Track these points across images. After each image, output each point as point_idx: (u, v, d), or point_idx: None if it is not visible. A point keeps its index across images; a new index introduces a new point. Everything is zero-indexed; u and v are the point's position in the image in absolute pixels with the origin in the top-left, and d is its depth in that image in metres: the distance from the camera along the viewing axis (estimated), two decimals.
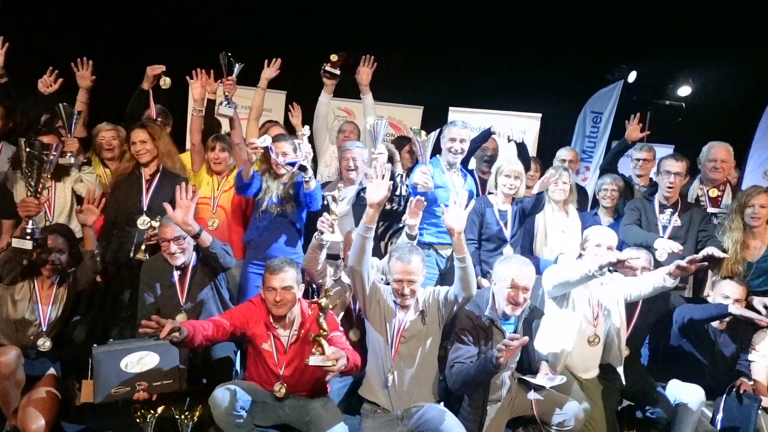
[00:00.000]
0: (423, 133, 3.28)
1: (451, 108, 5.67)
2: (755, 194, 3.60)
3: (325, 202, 3.18)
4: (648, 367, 3.58)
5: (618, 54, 7.77)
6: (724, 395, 3.14)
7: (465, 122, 3.74)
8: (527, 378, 2.93)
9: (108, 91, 4.83)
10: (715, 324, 3.31)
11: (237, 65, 3.81)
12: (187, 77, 3.87)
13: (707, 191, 3.91)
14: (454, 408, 2.87)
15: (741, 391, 3.08)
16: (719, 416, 3.11)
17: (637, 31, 7.59)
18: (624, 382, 3.19)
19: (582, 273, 2.88)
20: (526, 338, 2.57)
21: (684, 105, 8.08)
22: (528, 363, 3.02)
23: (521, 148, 4.37)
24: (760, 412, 3.03)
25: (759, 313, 3.16)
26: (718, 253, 3.23)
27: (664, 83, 8.03)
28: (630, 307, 3.31)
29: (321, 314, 2.54)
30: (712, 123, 7.53)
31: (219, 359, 3.05)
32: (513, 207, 3.69)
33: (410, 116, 5.89)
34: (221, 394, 2.55)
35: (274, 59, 3.99)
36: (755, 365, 3.27)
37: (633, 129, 4.37)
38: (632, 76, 7.71)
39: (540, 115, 5.84)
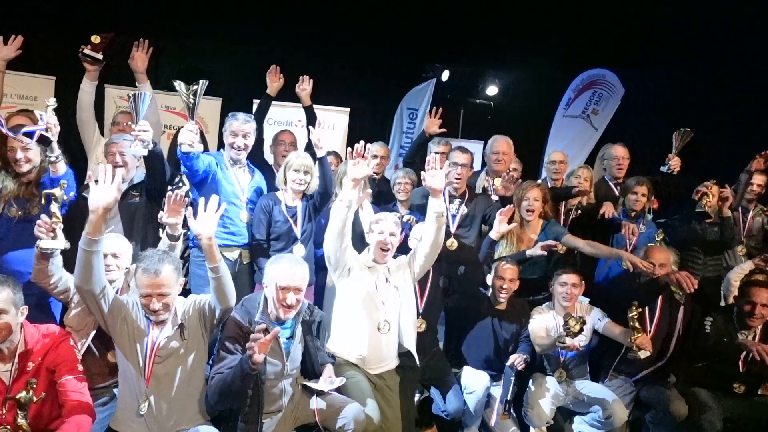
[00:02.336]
0: (183, 85, 2.92)
1: (255, 100, 5.36)
2: (530, 188, 3.82)
3: (45, 202, 2.59)
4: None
5: (432, 52, 8.10)
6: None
7: (249, 116, 3.46)
8: (308, 384, 2.76)
9: None
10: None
11: None
12: None
13: (492, 181, 4.10)
14: (230, 425, 2.59)
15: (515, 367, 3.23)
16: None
17: (449, 31, 7.96)
18: (419, 363, 3.14)
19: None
20: (278, 329, 2.40)
21: (492, 104, 8.72)
22: (312, 367, 2.84)
23: None
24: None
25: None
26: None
27: (474, 83, 8.56)
28: (422, 280, 3.30)
29: (20, 413, 2.06)
30: (516, 120, 8.20)
31: None
32: (303, 203, 3.50)
33: (209, 108, 5.44)
34: None
35: (13, 37, 3.37)
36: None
37: (432, 123, 4.45)
38: (445, 75, 8.09)
39: (348, 109, 5.79)
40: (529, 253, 3.44)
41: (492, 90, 8.54)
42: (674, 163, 4.05)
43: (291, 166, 3.46)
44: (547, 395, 3.33)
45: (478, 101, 8.68)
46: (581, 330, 3.09)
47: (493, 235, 3.26)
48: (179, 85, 2.94)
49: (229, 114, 3.47)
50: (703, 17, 7.20)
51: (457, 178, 3.78)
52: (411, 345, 3.08)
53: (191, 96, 2.94)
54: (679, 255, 3.84)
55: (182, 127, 3.08)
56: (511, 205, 3.30)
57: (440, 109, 4.42)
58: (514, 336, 3.48)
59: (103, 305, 2.38)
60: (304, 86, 4.19)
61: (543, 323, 3.41)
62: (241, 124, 3.38)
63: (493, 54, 8.25)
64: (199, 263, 3.36)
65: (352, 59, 6.62)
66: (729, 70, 6.96)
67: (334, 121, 5.56)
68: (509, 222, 3.27)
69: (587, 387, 3.43)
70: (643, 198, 3.90)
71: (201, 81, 2.95)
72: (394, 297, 3.06)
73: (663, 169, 4.15)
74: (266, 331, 2.40)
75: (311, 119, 4.13)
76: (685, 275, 3.11)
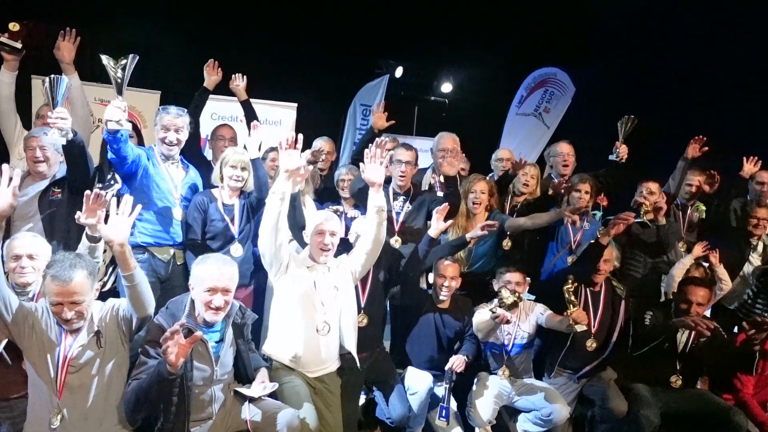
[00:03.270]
0: (110, 60, 2.73)
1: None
2: (476, 181, 3.81)
3: None
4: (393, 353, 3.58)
5: (385, 48, 8.03)
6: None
7: (182, 109, 3.29)
8: (240, 389, 2.64)
9: None
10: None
11: None
12: None
13: (438, 178, 4.04)
14: None
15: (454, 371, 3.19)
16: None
17: (402, 27, 7.91)
18: (360, 365, 3.05)
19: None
20: (200, 333, 2.26)
21: (447, 101, 8.72)
22: (246, 372, 2.72)
23: None
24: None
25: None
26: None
27: (429, 80, 8.53)
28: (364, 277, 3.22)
29: None
30: (471, 118, 8.23)
31: None
32: (240, 201, 3.37)
33: (146, 102, 5.20)
34: None
35: None
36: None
37: (378, 118, 4.35)
38: (399, 71, 8.03)
39: (296, 105, 5.65)
40: (469, 235, 3.41)
41: (446, 87, 8.54)
42: (622, 150, 4.10)
43: (227, 162, 3.32)
44: (490, 395, 3.30)
45: (432, 98, 8.66)
46: (515, 303, 3.06)
47: (432, 232, 3.20)
48: (107, 60, 2.74)
49: (160, 107, 3.30)
50: (649, 16, 7.40)
51: (401, 176, 3.70)
52: (352, 346, 2.99)
53: (119, 70, 2.73)
54: (620, 250, 3.89)
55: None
56: (447, 204, 3.25)
57: (386, 103, 4.33)
58: (458, 334, 3.44)
59: (5, 315, 2.19)
60: (237, 82, 4.08)
61: (486, 316, 3.40)
62: (173, 117, 3.22)
63: (447, 51, 8.26)
64: None
65: (302, 54, 6.48)
66: (674, 67, 7.16)
67: (281, 116, 5.41)
68: (446, 220, 3.22)
69: (531, 385, 3.42)
70: (587, 195, 3.92)
71: (130, 55, 2.76)
72: (334, 297, 2.95)
73: (611, 157, 4.18)
74: (190, 332, 2.27)
75: (249, 115, 4.00)
76: (701, 321, 3.15)
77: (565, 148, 4.43)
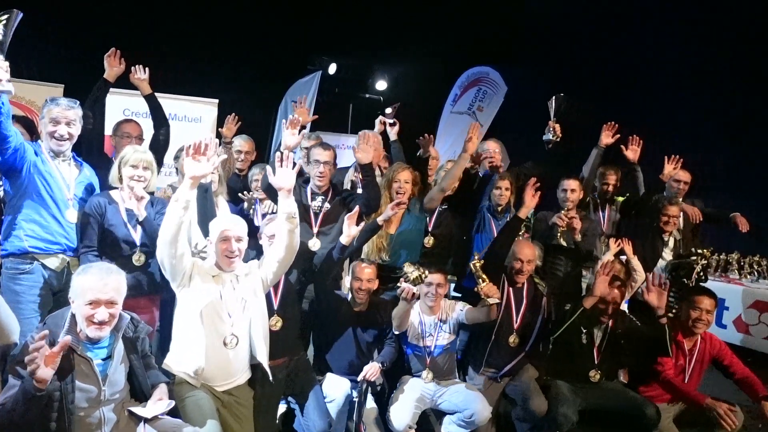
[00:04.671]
0: None
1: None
2: (400, 170, 3.74)
3: None
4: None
5: (318, 45, 7.87)
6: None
7: (73, 101, 3.02)
8: (134, 409, 2.43)
9: None
10: None
11: None
12: None
13: (358, 176, 3.94)
14: None
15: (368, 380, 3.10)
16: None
17: (336, 24, 7.78)
18: (276, 373, 2.89)
19: None
20: (68, 338, 2.04)
21: (382, 99, 8.65)
22: (141, 389, 2.51)
23: None
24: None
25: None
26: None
27: (363, 77, 8.45)
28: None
29: None
30: (406, 116, 8.19)
31: None
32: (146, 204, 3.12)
33: (39, 94, 4.80)
34: None
35: None
36: None
37: (301, 112, 4.24)
38: (332, 68, 7.91)
39: (217, 101, 5.40)
40: (380, 219, 3.35)
41: (381, 85, 8.49)
42: (556, 128, 4.11)
43: (127, 161, 3.07)
44: (411, 398, 3.22)
45: (367, 96, 8.59)
46: (419, 278, 2.99)
47: (343, 239, 3.07)
48: None
49: (48, 98, 3.01)
50: (580, 17, 7.59)
51: (319, 176, 3.57)
52: (263, 359, 2.82)
53: (0, 27, 2.47)
54: (542, 249, 3.90)
55: None
56: (357, 209, 3.14)
57: (305, 97, 4.20)
58: (377, 338, 3.35)
59: None
60: (138, 74, 3.76)
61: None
62: (64, 110, 2.94)
63: (382, 48, 8.20)
64: (13, 276, 2.91)
65: (227, 48, 6.24)
66: (603, 66, 7.38)
67: (201, 113, 5.15)
68: (358, 223, 3.13)
69: (453, 387, 3.37)
70: (507, 192, 3.92)
71: (13, 11, 2.49)
72: (242, 308, 2.77)
73: (545, 137, 4.20)
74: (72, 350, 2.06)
75: (155, 111, 3.75)
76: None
77: (491, 145, 4.43)
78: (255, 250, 3.25)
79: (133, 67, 3.74)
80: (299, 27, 7.35)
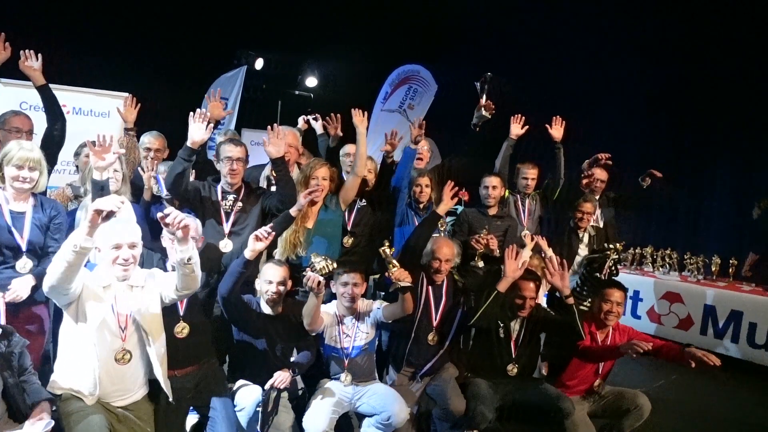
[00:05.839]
0: None
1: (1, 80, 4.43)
2: (317, 167, 3.63)
3: None
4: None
5: (245, 39, 7.63)
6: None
7: None
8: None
9: None
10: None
11: None
12: None
13: (272, 174, 3.80)
14: None
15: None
16: None
17: (263, 18, 7.56)
18: (170, 395, 2.68)
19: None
20: None
21: (312, 95, 8.50)
22: (18, 408, 2.28)
23: None
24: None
25: None
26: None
27: (292, 73, 8.27)
28: None
29: None
30: (336, 113, 8.08)
31: None
32: (32, 205, 2.87)
33: None
34: None
35: None
36: None
37: (213, 107, 4.03)
38: (259, 63, 7.69)
39: (128, 95, 5.10)
40: (293, 210, 3.24)
41: (311, 81, 8.33)
42: (487, 105, 4.13)
43: (10, 159, 2.80)
44: (328, 403, 3.12)
45: (297, 92, 8.41)
46: (326, 268, 2.91)
47: (247, 254, 2.89)
48: None
49: None
50: (506, 17, 7.73)
51: (230, 173, 3.40)
52: (160, 375, 2.63)
53: None
54: (462, 246, 3.91)
55: None
56: (271, 228, 2.97)
57: (219, 90, 4.01)
58: (293, 339, 3.23)
59: None
60: (29, 62, 3.43)
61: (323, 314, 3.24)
62: None
63: (312, 44, 8.05)
64: None
65: (142, 39, 5.89)
66: (531, 65, 7.55)
67: (109, 107, 4.83)
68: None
69: (372, 389, 3.30)
70: (427, 189, 3.92)
71: None
72: (136, 321, 2.55)
73: (474, 120, 4.21)
74: None
75: (48, 104, 3.46)
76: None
77: (421, 143, 4.41)
78: (159, 253, 3.07)
79: (22, 53, 3.41)
80: (225, 20, 7.08)
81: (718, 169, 7.06)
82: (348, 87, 8.42)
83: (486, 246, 3.91)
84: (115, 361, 2.51)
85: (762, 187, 6.54)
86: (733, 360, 5.26)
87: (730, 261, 5.86)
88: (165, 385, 2.63)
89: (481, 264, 3.87)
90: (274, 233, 2.91)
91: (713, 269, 5.84)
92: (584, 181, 4.57)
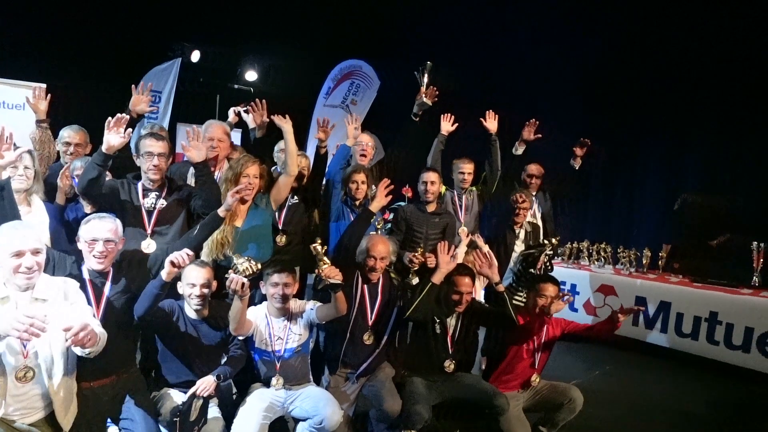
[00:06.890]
0: None
1: None
2: (248, 165, 3.46)
3: None
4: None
5: (180, 30, 7.31)
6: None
7: None
8: None
9: None
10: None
11: None
12: None
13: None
14: None
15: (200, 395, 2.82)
16: None
17: (199, 8, 7.26)
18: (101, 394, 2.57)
19: None
20: None
21: (252, 90, 8.25)
22: None
23: None
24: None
25: None
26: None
27: (231, 67, 8.00)
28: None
29: None
30: (279, 108, 7.88)
31: None
32: None
33: None
34: None
35: None
36: None
37: (137, 100, 3.81)
38: (195, 56, 7.39)
39: (44, 86, 4.77)
40: (221, 210, 3.09)
41: (251, 75, 8.09)
42: (429, 93, 4.14)
43: None
44: (258, 408, 3.00)
45: (236, 86, 8.15)
46: (249, 269, 2.82)
47: (164, 275, 2.70)
48: None
49: None
50: (448, 11, 7.73)
51: (153, 170, 3.21)
52: (57, 405, 2.42)
53: None
54: (398, 244, 3.86)
55: None
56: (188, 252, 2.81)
57: (143, 84, 3.79)
58: (221, 343, 3.08)
59: None
60: None
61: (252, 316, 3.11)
62: None
63: (251, 37, 7.81)
64: None
65: (64, 26, 5.52)
66: (478, 60, 7.58)
67: (23, 99, 4.49)
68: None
69: (305, 392, 3.20)
70: (363, 185, 3.85)
71: None
72: (42, 337, 2.25)
73: (415, 108, 4.19)
74: None
75: None
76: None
77: (364, 138, 4.35)
78: (74, 256, 2.84)
79: None
80: (158, 9, 6.75)
81: (649, 164, 7.30)
82: (289, 81, 8.24)
83: (423, 264, 3.84)
84: (16, 380, 2.31)
85: (689, 180, 6.83)
86: (662, 349, 5.47)
87: (660, 254, 6.09)
88: (60, 416, 2.42)
89: (415, 281, 3.79)
90: (192, 256, 2.74)
91: (644, 262, 6.05)
92: (522, 175, 4.64)
